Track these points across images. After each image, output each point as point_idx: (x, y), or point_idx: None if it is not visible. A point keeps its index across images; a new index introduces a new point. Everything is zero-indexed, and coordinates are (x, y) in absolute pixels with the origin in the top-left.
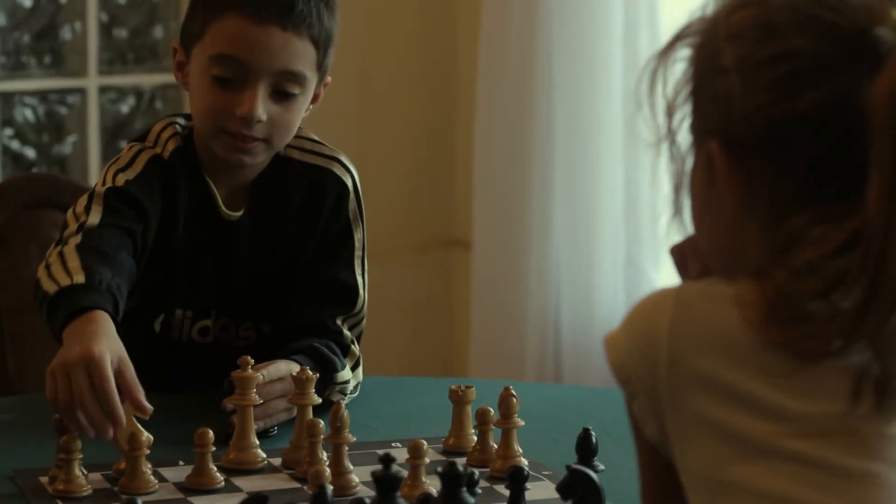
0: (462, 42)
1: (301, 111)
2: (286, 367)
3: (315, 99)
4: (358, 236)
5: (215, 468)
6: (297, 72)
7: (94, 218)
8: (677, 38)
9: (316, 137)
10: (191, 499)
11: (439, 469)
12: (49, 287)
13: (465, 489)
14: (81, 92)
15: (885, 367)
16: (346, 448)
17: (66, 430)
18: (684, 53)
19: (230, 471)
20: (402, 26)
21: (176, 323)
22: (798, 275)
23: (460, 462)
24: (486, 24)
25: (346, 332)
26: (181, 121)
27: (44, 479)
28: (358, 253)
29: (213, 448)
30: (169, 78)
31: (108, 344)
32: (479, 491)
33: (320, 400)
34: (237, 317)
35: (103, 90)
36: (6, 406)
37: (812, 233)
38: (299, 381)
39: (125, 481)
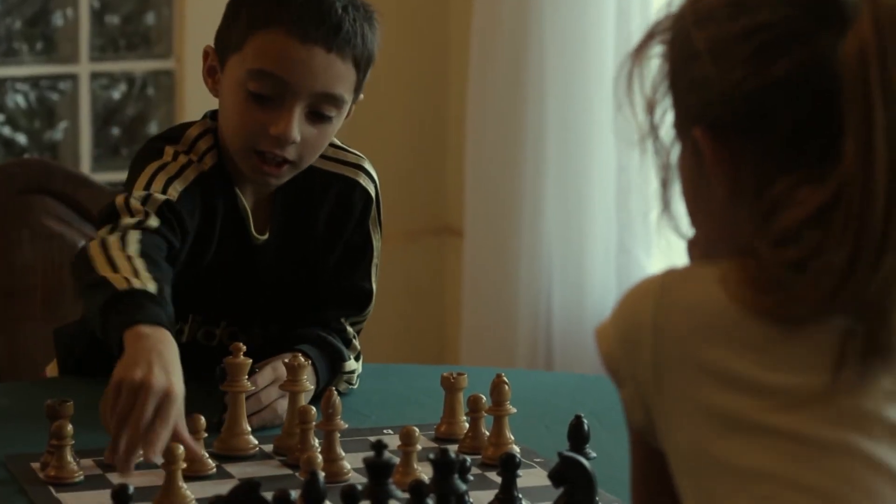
0: (454, 30)
1: (334, 133)
2: (282, 370)
3: (347, 115)
4: (377, 244)
5: (207, 454)
6: (338, 95)
7: (154, 221)
8: (649, 37)
9: (337, 142)
10: (182, 484)
11: (431, 456)
12: (112, 276)
13: (457, 476)
14: (73, 78)
15: (868, 331)
16: (338, 435)
17: (58, 416)
18: (657, 51)
19: (222, 457)
20: (395, 13)
21: (184, 326)
22: (778, 243)
23: (452, 449)
24: (478, 11)
25: (349, 329)
26: (214, 124)
27: (35, 465)
28: (375, 261)
29: (205, 434)
30: (160, 64)
31: (180, 380)
32: (471, 478)
33: (312, 387)
34: (246, 326)
35: (95, 76)
36: None
37: (793, 196)
38: (291, 368)
39: (162, 497)
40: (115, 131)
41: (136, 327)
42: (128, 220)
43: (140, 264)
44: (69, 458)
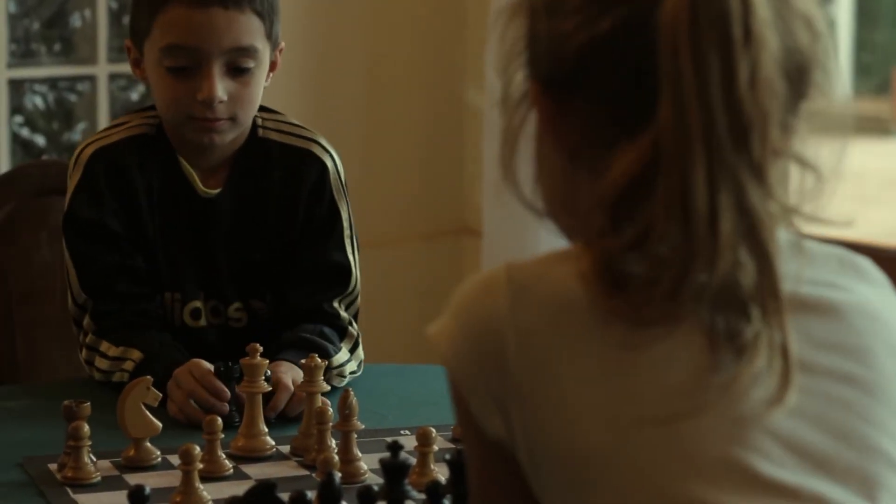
0: (471, 29)
1: (260, 83)
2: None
3: (273, 67)
4: (345, 215)
5: (224, 455)
6: (247, 46)
7: (82, 294)
8: (513, 8)
9: (296, 121)
10: (199, 485)
11: (448, 457)
12: (117, 376)
13: None
14: (91, 79)
15: (729, 324)
16: (355, 435)
17: (76, 417)
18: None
19: (239, 458)
20: (411, 14)
21: (167, 307)
22: (615, 223)
23: None
24: (495, 10)
25: (343, 314)
26: (152, 111)
27: (53, 467)
28: (347, 231)
29: (222, 435)
30: None
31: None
32: None
33: (329, 387)
34: (224, 298)
35: (113, 78)
36: (15, 394)
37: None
38: (308, 369)
39: (179, 498)
40: None
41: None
42: (88, 338)
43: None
44: (86, 459)
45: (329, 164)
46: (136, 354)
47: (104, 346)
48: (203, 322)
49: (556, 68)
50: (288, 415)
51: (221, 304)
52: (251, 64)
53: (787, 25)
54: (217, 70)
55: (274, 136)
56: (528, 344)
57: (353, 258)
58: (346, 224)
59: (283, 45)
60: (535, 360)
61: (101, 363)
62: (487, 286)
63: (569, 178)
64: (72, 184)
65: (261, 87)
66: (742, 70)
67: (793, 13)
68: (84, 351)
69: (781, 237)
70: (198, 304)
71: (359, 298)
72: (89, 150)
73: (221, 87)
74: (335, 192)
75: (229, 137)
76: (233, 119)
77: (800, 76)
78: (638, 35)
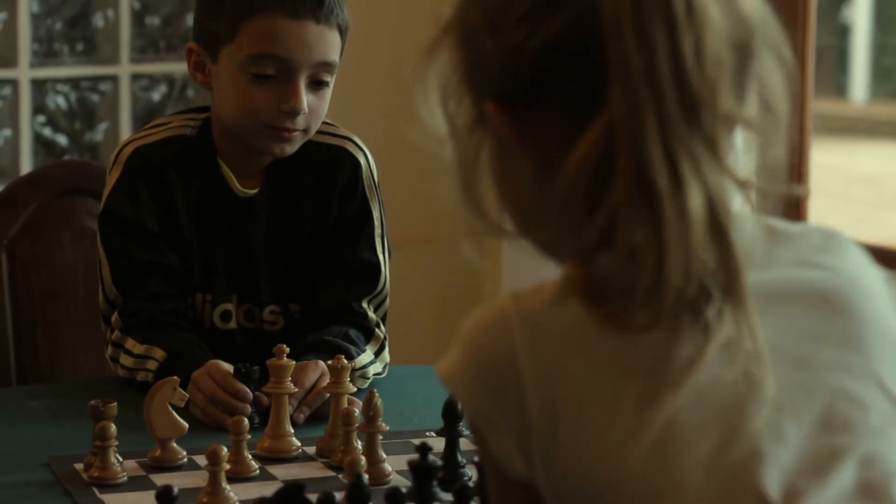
0: None
1: (328, 97)
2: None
3: None
4: (376, 214)
5: (250, 456)
6: (331, 61)
7: (113, 289)
8: (439, 35)
9: (328, 120)
10: (226, 486)
11: (476, 459)
12: (141, 375)
13: None
14: (113, 79)
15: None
16: (380, 437)
17: (102, 417)
18: (444, 54)
19: (265, 459)
20: (434, 11)
21: (197, 308)
22: (585, 219)
23: None
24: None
25: (372, 315)
26: (193, 114)
27: (79, 466)
28: (378, 231)
29: (249, 436)
30: None
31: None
32: None
33: (355, 389)
34: (259, 301)
35: (135, 78)
36: (41, 393)
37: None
38: (334, 370)
39: (206, 499)
40: None
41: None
42: (115, 335)
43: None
44: (113, 459)
45: (362, 161)
46: (160, 353)
47: (129, 342)
48: (233, 324)
49: (514, 81)
50: (309, 406)
51: (256, 308)
52: (329, 79)
53: None
54: (302, 82)
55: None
56: (545, 379)
57: (383, 258)
58: (377, 223)
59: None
60: (554, 395)
61: (125, 360)
62: (497, 322)
63: (542, 188)
64: (110, 181)
65: (328, 101)
66: (687, 45)
67: None
68: (110, 347)
69: (748, 218)
70: (229, 306)
71: (387, 300)
72: (129, 149)
73: (305, 100)
74: (367, 191)
75: (297, 147)
76: (305, 131)
77: (747, 46)
78: (589, 28)
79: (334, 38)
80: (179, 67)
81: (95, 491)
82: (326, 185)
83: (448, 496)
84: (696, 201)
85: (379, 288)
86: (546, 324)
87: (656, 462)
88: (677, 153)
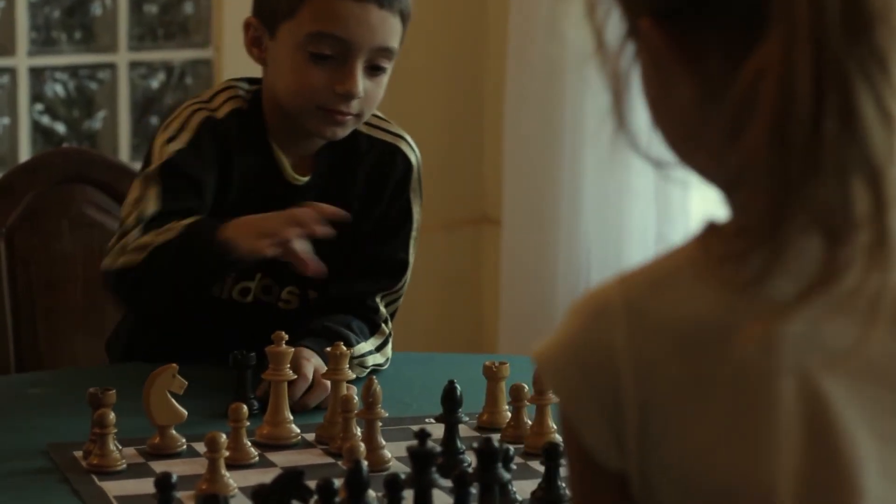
0: (492, 18)
1: (385, 84)
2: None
3: None
4: (416, 216)
5: (249, 443)
6: (392, 47)
7: (151, 206)
8: None
9: (381, 114)
10: (225, 473)
11: (475, 445)
12: (158, 243)
13: (500, 465)
14: (111, 67)
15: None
16: (379, 424)
17: (101, 405)
18: None
19: (264, 446)
20: (432, 3)
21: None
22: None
23: (495, 438)
24: None
25: (382, 310)
26: (244, 85)
27: (78, 454)
28: (414, 233)
29: (248, 423)
30: (199, 53)
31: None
32: (515, 467)
33: (354, 375)
34: (281, 279)
35: (133, 66)
36: (40, 381)
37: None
38: (333, 357)
39: (205, 486)
40: (154, 120)
41: (225, 227)
42: (128, 224)
43: (165, 227)
44: (112, 446)
45: (414, 162)
46: (180, 224)
47: (146, 236)
48: (250, 298)
49: None
50: (308, 405)
51: (277, 285)
52: (387, 65)
53: None
54: (360, 65)
55: (363, 128)
56: (647, 377)
57: (411, 259)
58: (414, 225)
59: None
60: (657, 394)
61: (138, 241)
62: (601, 311)
63: (703, 112)
64: (178, 142)
65: (384, 89)
66: None
67: None
68: (115, 239)
69: None
70: (250, 284)
71: (401, 299)
72: (199, 117)
73: (361, 84)
74: (412, 192)
75: (348, 132)
76: (358, 115)
77: None
78: None
79: (396, 23)
80: (178, 55)
81: (94, 478)
82: (378, 183)
83: (447, 482)
84: (831, 132)
85: (398, 286)
86: (654, 316)
87: (744, 467)
88: (828, 75)
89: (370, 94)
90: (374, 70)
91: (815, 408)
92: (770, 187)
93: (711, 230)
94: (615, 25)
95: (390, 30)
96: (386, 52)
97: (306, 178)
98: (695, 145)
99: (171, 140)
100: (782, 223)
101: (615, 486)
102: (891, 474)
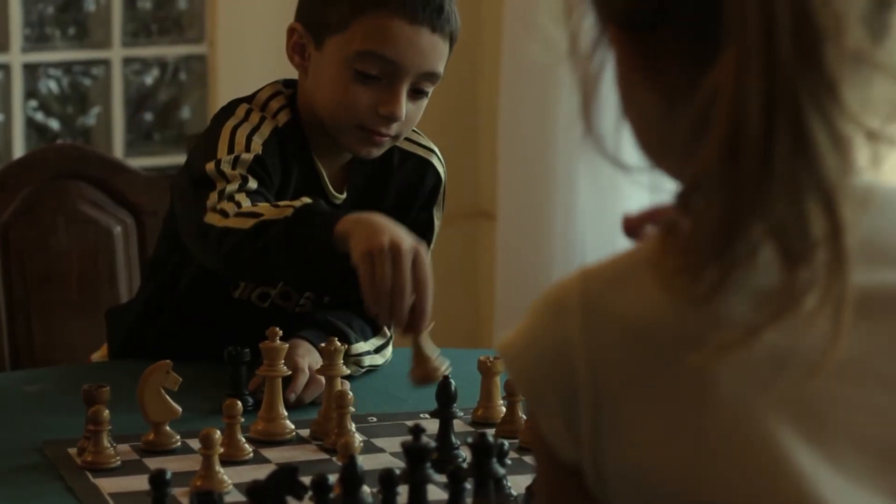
0: (487, 13)
1: (424, 107)
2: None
3: None
4: (436, 227)
5: (244, 439)
6: (438, 72)
7: (252, 184)
8: None
9: (414, 126)
10: (219, 469)
11: (469, 440)
12: (266, 217)
13: (495, 460)
14: (105, 63)
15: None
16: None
17: (95, 401)
18: None
19: (258, 442)
20: None
21: (240, 285)
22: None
23: (490, 433)
24: None
25: None
26: (285, 90)
27: (72, 451)
28: (432, 245)
29: (242, 419)
30: (193, 49)
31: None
32: (509, 462)
33: (348, 371)
34: (301, 286)
35: (127, 62)
36: (34, 377)
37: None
38: (328, 353)
39: (200, 482)
40: (148, 116)
41: (343, 219)
42: (230, 187)
43: (269, 203)
44: (106, 443)
45: (443, 176)
46: (293, 204)
47: (258, 206)
48: (267, 304)
49: (637, 8)
50: (304, 400)
51: (296, 292)
52: (430, 88)
53: None
54: (405, 89)
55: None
56: (600, 370)
57: None
58: (434, 236)
59: None
60: (609, 388)
61: (248, 207)
62: (559, 304)
63: (666, 119)
64: (260, 136)
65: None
66: None
67: None
68: (221, 202)
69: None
70: (270, 290)
71: None
72: (269, 126)
73: (404, 107)
74: (437, 206)
75: (383, 152)
76: (395, 137)
77: None
78: None
79: (444, 48)
80: (171, 51)
81: (89, 475)
82: (408, 196)
83: (442, 478)
84: (782, 153)
85: None
86: (609, 311)
87: (685, 469)
88: (779, 96)
89: (410, 116)
90: (416, 93)
91: (750, 419)
92: (723, 202)
93: (671, 232)
94: (590, 29)
95: (439, 54)
96: (432, 76)
97: (343, 196)
98: (664, 150)
99: (253, 134)
100: (735, 238)
101: (573, 479)
102: (830, 481)
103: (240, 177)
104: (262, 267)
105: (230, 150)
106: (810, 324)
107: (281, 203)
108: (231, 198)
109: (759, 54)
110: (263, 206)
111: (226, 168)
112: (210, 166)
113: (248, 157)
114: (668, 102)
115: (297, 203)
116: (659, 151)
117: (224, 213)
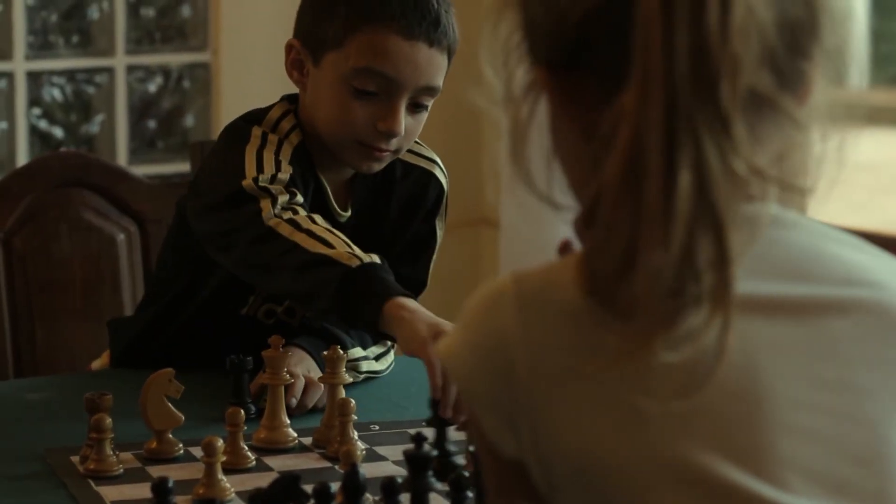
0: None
1: (424, 120)
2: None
3: None
4: (439, 237)
5: (246, 447)
6: (435, 86)
7: (300, 198)
8: (501, 4)
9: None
10: (222, 477)
11: (471, 448)
12: (333, 253)
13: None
14: (109, 71)
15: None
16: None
17: (98, 409)
18: (508, 15)
19: (261, 450)
20: None
21: (249, 301)
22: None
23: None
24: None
25: None
26: (292, 107)
27: (75, 459)
28: (434, 255)
29: (245, 427)
30: (196, 57)
31: None
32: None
33: (351, 380)
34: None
35: (131, 69)
36: (37, 385)
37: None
38: (329, 361)
39: (202, 490)
40: (152, 124)
41: (394, 299)
42: (282, 198)
43: (343, 237)
44: (109, 451)
45: (445, 187)
46: (362, 257)
47: (314, 224)
48: (273, 320)
49: (558, 48)
50: (306, 405)
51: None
52: (430, 102)
53: None
54: (404, 104)
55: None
56: (537, 360)
57: (428, 278)
58: (437, 245)
59: None
60: (546, 376)
61: (300, 217)
62: (495, 300)
63: (583, 151)
64: (286, 153)
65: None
66: (712, 15)
67: None
68: (286, 210)
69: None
70: (276, 308)
71: None
72: (289, 148)
73: (403, 122)
74: (439, 217)
75: (383, 166)
76: (396, 151)
77: (801, 23)
78: (629, 6)
79: (443, 62)
80: (175, 58)
81: (91, 483)
82: (411, 209)
83: (443, 486)
84: (684, 182)
85: None
86: (542, 304)
87: (627, 443)
88: (678, 127)
89: (409, 130)
90: (415, 107)
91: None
92: (623, 222)
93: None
94: (523, 75)
95: (437, 69)
96: (430, 90)
97: (348, 214)
98: (585, 184)
99: (278, 155)
100: (633, 264)
101: (517, 475)
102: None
103: (286, 191)
104: (302, 293)
105: (260, 171)
106: (696, 339)
107: (354, 246)
108: (292, 209)
109: (660, 86)
110: (336, 240)
111: (265, 184)
112: (248, 183)
113: (284, 175)
114: (585, 137)
115: (366, 258)
116: (582, 186)
117: (296, 225)
